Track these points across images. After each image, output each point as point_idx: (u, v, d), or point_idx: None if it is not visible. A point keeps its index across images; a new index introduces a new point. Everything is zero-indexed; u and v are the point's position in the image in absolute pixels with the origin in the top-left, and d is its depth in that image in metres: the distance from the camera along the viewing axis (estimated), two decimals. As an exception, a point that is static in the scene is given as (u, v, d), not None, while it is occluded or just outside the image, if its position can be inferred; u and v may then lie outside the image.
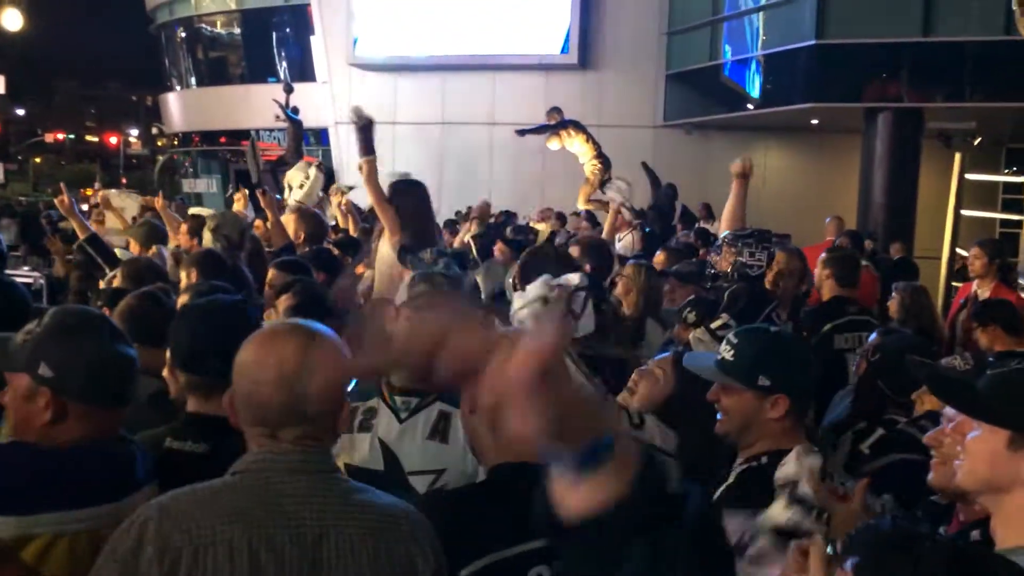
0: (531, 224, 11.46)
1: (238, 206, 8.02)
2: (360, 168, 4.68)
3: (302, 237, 5.53)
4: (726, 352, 2.05)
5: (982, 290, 5.61)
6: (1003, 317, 4.43)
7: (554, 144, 13.30)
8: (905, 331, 4.21)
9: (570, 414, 0.78)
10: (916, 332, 4.79)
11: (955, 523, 1.81)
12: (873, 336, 3.59)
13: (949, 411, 1.73)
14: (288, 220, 5.80)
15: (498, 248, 5.16)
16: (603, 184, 12.22)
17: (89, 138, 64.06)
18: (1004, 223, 12.07)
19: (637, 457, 0.82)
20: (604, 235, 5.87)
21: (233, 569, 1.36)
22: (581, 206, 12.78)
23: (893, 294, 5.18)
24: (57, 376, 1.72)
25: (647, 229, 8.80)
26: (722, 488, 2.02)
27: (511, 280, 3.35)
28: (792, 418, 2.00)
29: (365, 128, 4.80)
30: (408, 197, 4.49)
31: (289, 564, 1.40)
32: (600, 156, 12.88)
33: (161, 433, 1.96)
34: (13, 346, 1.77)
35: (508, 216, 12.55)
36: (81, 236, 5.49)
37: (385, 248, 4.39)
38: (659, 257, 5.21)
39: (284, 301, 3.28)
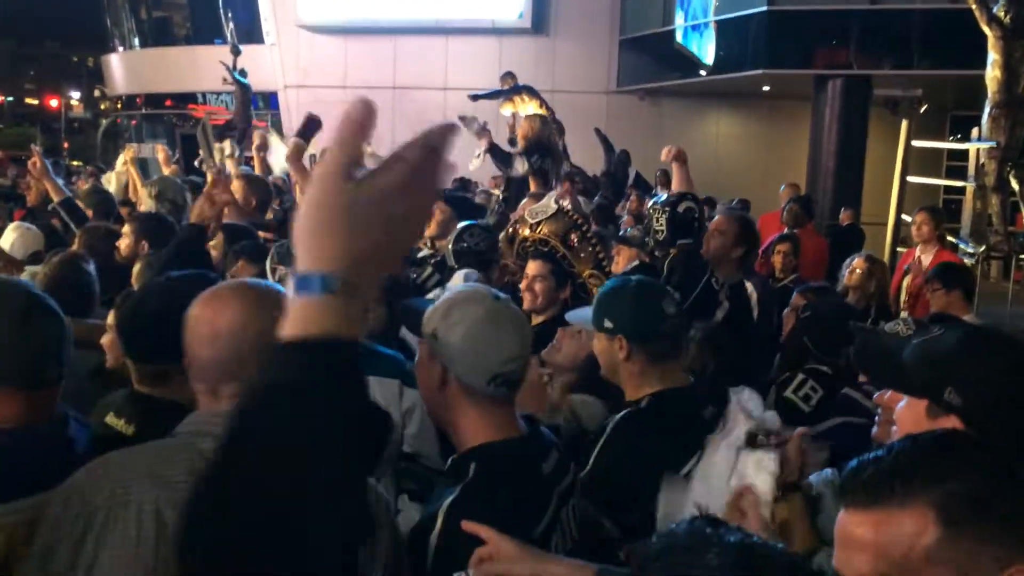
0: (488, 189, 11.39)
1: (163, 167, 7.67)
2: (293, 146, 5.04)
3: (253, 203, 5.42)
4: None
5: (925, 256, 5.69)
6: (965, 283, 4.49)
7: (508, 109, 13.18)
8: (832, 291, 4.29)
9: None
10: (876, 303, 4.84)
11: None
12: (795, 294, 3.69)
13: None
14: (236, 187, 5.66)
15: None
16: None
17: (29, 100, 61.84)
18: (948, 190, 12.29)
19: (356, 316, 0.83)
20: None
21: (140, 530, 1.33)
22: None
23: (854, 261, 5.06)
24: None
25: (599, 195, 8.81)
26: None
27: None
28: (641, 361, 2.06)
29: (312, 122, 5.10)
30: None
31: None
32: (554, 122, 12.85)
33: (107, 406, 1.87)
34: None
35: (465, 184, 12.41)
36: (56, 199, 5.22)
37: None
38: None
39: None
